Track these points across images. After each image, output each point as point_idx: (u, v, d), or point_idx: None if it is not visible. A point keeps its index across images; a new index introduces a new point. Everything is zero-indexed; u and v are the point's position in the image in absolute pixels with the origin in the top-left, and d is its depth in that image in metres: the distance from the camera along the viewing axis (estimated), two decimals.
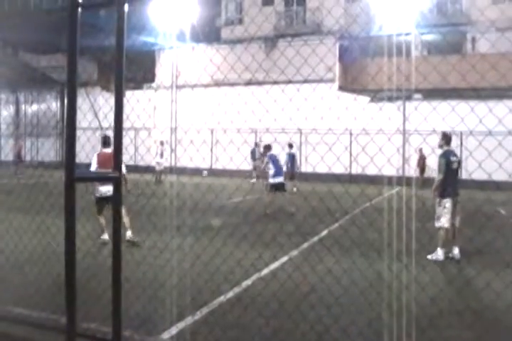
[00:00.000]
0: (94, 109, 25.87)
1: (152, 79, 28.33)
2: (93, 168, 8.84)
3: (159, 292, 5.08)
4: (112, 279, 4.00)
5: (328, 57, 23.60)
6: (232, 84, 24.07)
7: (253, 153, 22.92)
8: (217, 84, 24.69)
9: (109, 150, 8.91)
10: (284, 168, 18.91)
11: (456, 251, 8.02)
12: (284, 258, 7.59)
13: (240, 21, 28.89)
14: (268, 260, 6.91)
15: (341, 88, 23.80)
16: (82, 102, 23.31)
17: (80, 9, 3.50)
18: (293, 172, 18.86)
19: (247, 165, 23.62)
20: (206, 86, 25.70)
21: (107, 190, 8.41)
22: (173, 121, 28.81)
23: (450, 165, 8.11)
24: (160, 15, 23.74)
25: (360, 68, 23.79)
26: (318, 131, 21.26)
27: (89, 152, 9.49)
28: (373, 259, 7.09)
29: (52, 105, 32.85)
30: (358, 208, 12.33)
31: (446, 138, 8.29)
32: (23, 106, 34.12)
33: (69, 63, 3.67)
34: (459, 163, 8.33)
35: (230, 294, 5.75)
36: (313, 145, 22.31)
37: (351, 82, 23.39)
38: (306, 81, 19.02)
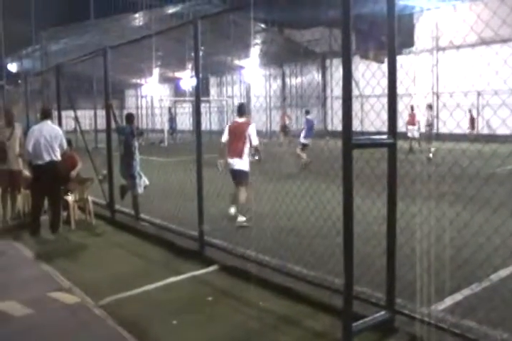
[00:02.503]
0: (354, 77, 26.07)
1: (412, 44, 27.30)
2: (224, 137, 8.35)
3: (431, 261, 4.88)
4: (387, 247, 4.04)
5: None
6: (505, 41, 21.78)
7: None
8: (486, 42, 22.52)
9: (242, 119, 8.39)
10: None
11: None
12: None
13: None
14: None
15: None
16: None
17: None
18: None
19: None
20: (473, 45, 23.71)
21: (233, 162, 8.11)
22: (433, 86, 27.46)
23: None
24: None
25: None
26: None
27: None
28: None
29: (314, 76, 34.43)
30: None
31: None
32: (288, 79, 36.51)
33: (343, 35, 3.76)
34: None
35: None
36: None
37: None
38: None
